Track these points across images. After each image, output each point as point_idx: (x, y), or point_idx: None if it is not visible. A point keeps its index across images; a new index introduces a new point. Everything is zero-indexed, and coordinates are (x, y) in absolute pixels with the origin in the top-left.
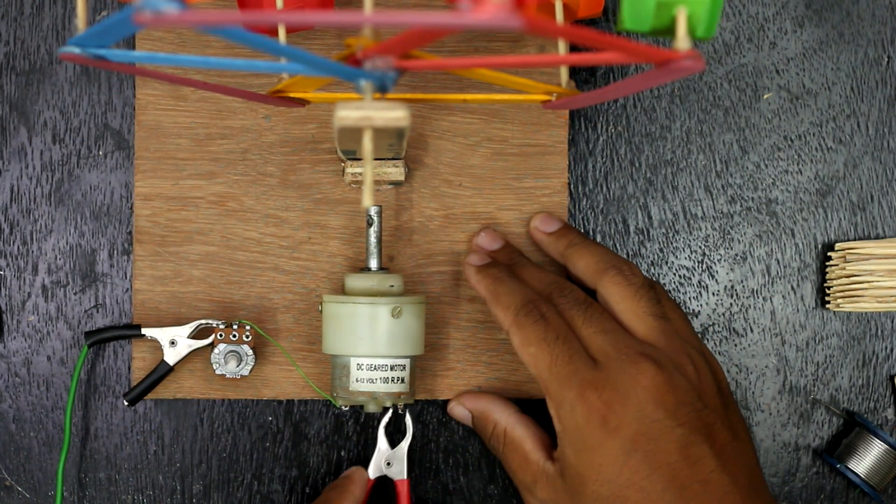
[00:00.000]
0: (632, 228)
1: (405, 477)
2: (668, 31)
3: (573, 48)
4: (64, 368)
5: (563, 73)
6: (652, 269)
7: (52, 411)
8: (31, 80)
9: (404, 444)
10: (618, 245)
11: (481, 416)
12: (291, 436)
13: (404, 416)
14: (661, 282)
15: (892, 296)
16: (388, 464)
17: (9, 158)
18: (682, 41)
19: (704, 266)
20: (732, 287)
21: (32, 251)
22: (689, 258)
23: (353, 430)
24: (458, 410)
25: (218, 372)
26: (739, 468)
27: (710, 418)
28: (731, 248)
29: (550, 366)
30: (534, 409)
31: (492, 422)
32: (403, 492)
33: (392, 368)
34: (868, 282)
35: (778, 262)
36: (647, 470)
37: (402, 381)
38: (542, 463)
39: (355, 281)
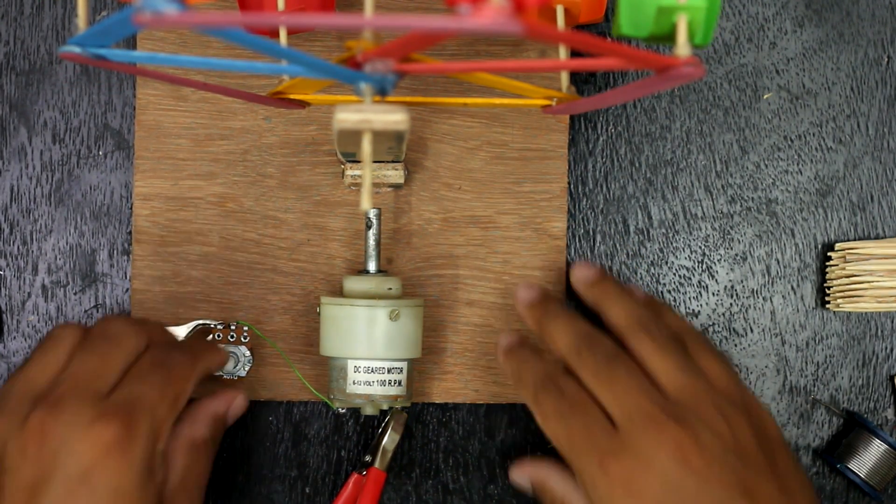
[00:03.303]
0: (632, 228)
1: (378, 467)
2: (667, 37)
3: (574, 53)
4: None
5: (564, 78)
6: (652, 269)
7: None
8: (31, 80)
9: (388, 437)
10: (618, 245)
11: (539, 486)
12: (291, 436)
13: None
14: (661, 282)
15: (892, 296)
16: (376, 455)
17: (9, 158)
18: (683, 48)
19: (704, 266)
20: (732, 287)
21: (32, 251)
22: (689, 258)
23: (353, 430)
24: (520, 479)
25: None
26: None
27: (748, 474)
28: (731, 248)
29: (568, 438)
30: (529, 415)
31: (549, 491)
32: (371, 480)
33: (389, 371)
34: (868, 282)
35: (778, 262)
36: None
37: (399, 384)
38: None
39: (353, 283)
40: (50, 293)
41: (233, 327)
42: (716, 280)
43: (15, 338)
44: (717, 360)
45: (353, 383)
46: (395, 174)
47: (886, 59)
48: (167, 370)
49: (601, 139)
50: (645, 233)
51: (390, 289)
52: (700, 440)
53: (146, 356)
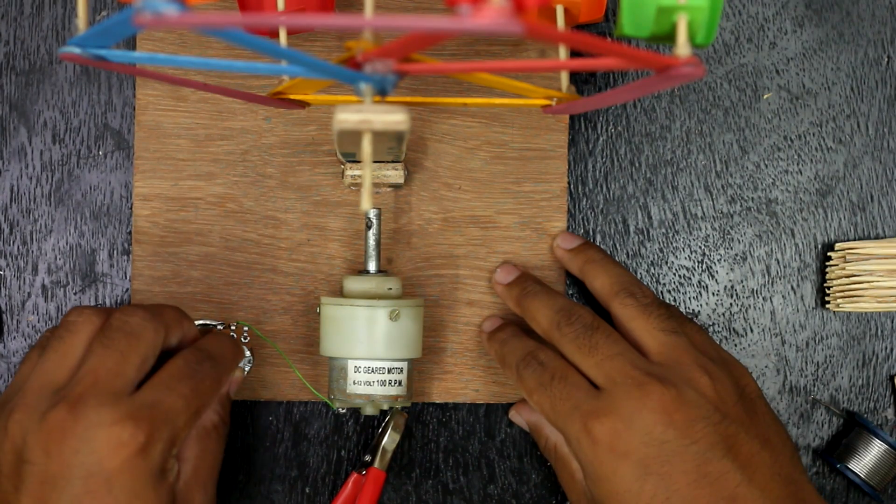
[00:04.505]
0: (632, 228)
1: (377, 467)
2: (668, 37)
3: (574, 53)
4: None
5: (564, 77)
6: (652, 269)
7: None
8: (31, 80)
9: (388, 437)
10: (618, 245)
11: (534, 428)
12: (291, 436)
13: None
14: (661, 282)
15: (892, 296)
16: (376, 455)
17: (9, 158)
18: (683, 48)
19: (704, 266)
20: (732, 287)
21: (32, 251)
22: (689, 258)
23: (353, 430)
24: (517, 419)
25: None
26: (770, 478)
27: (731, 430)
28: (731, 248)
29: (552, 406)
30: None
31: (543, 436)
32: (370, 480)
33: (389, 371)
34: (868, 282)
35: (778, 262)
36: (665, 493)
37: (400, 384)
38: (584, 483)
39: (353, 283)
40: (50, 293)
41: (233, 327)
42: (716, 280)
43: (15, 338)
44: (694, 324)
45: (354, 383)
46: (395, 174)
47: (886, 59)
48: (196, 382)
49: (601, 139)
50: (645, 233)
51: (390, 289)
52: (683, 398)
53: (178, 362)
